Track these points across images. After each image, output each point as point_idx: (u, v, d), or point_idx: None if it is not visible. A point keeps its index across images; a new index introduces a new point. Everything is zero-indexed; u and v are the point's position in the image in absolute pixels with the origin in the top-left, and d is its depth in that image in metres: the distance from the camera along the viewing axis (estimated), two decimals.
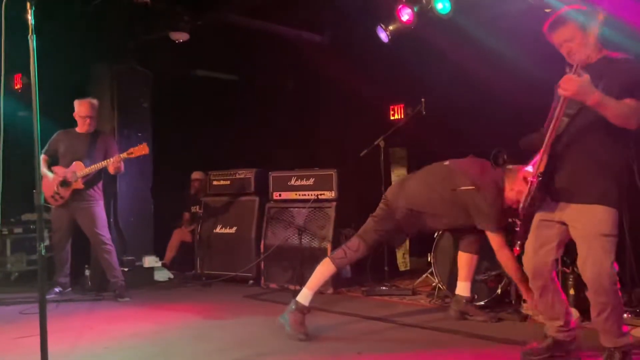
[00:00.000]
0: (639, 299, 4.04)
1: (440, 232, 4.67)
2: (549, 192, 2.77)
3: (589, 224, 2.66)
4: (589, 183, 2.68)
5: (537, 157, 2.89)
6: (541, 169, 2.71)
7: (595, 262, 2.63)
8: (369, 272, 5.49)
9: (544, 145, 2.71)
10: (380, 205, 3.98)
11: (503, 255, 3.67)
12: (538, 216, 2.88)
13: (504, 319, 4.05)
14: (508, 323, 3.96)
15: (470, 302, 4.11)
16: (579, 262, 2.77)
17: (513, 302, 4.22)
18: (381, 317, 4.27)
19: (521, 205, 2.82)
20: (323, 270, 3.84)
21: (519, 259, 4.20)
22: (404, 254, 6.49)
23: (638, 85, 2.61)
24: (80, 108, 5.30)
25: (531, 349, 2.99)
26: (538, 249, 2.86)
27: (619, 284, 2.68)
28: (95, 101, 5.39)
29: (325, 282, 5.22)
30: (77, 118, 5.32)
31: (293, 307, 3.73)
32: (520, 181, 3.39)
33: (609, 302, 2.65)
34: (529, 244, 2.92)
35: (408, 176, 4.18)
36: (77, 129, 5.36)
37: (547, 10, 4.91)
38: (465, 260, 4.12)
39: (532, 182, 2.73)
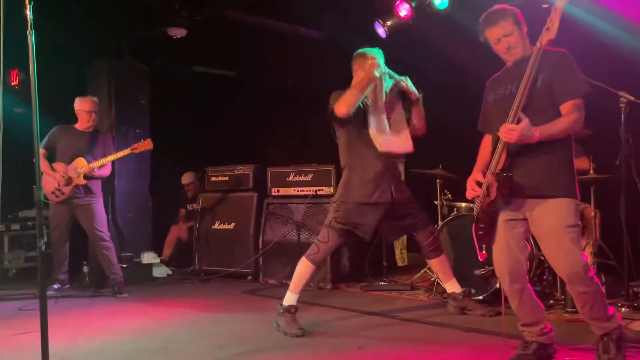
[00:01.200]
0: (636, 293, 4.07)
1: (438, 227, 4.68)
2: (510, 186, 2.73)
3: (555, 217, 2.65)
4: (552, 177, 2.68)
5: (476, 166, 2.94)
6: (500, 167, 2.70)
7: (568, 254, 2.62)
8: (367, 268, 5.51)
9: (500, 142, 2.67)
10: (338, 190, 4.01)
11: (336, 109, 3.73)
12: (503, 216, 2.81)
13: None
14: (507, 317, 3.96)
15: (468, 296, 4.13)
16: (549, 258, 2.77)
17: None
18: (380, 312, 4.29)
19: (480, 207, 2.80)
20: (302, 270, 3.83)
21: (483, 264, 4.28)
22: (401, 249, 6.51)
23: (579, 83, 2.65)
24: (84, 104, 5.31)
25: (517, 356, 2.89)
26: (511, 249, 2.79)
27: (592, 271, 2.66)
28: (95, 99, 5.41)
29: (325, 278, 5.29)
30: (80, 114, 5.32)
31: (281, 310, 3.75)
32: (362, 59, 3.88)
33: (589, 290, 2.64)
34: (500, 248, 2.83)
35: None
36: (77, 126, 5.36)
37: (544, 6, 4.92)
38: (437, 265, 4.13)
39: (503, 177, 2.68)
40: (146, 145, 5.11)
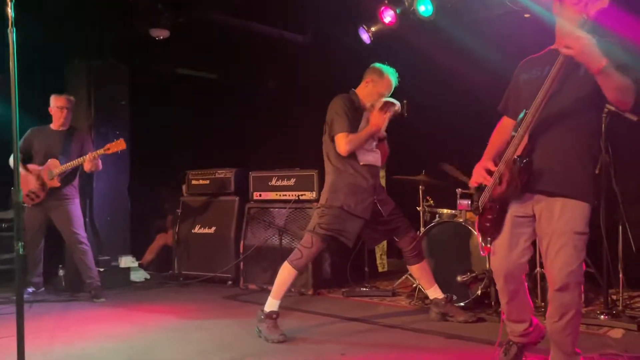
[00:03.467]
0: (615, 300, 4.12)
1: (421, 234, 4.68)
2: (528, 175, 2.52)
3: (565, 219, 2.45)
4: (570, 175, 2.48)
5: (487, 149, 2.76)
6: (519, 153, 2.49)
7: (567, 260, 2.43)
8: (349, 273, 5.50)
9: (524, 124, 2.46)
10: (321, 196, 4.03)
11: (343, 149, 3.80)
12: (512, 211, 2.62)
13: (485, 319, 4.08)
14: (488, 324, 4.00)
15: (450, 302, 4.14)
16: (545, 259, 2.56)
17: (493, 303, 4.26)
18: (362, 318, 4.27)
19: (486, 199, 2.62)
20: (284, 276, 3.80)
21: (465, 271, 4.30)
22: (381, 255, 6.52)
23: (631, 66, 2.38)
24: (57, 100, 5.22)
25: None
26: (513, 249, 2.62)
27: (582, 287, 2.52)
28: (71, 97, 5.31)
29: (306, 283, 5.27)
30: (53, 111, 5.21)
31: (262, 316, 3.72)
32: (378, 74, 3.94)
33: (573, 303, 2.47)
34: (501, 244, 2.65)
35: None
36: (52, 126, 5.25)
37: (526, 16, 4.99)
38: (418, 271, 4.13)
39: (519, 166, 2.48)
40: (119, 145, 4.99)
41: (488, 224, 2.67)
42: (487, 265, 4.25)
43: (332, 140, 3.89)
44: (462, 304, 4.32)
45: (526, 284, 2.79)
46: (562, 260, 2.45)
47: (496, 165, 2.62)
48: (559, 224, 2.47)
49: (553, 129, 2.51)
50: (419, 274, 4.15)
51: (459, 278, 4.32)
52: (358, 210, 3.84)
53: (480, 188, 2.72)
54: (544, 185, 2.51)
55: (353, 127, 3.85)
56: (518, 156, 2.51)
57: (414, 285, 4.87)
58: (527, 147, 2.51)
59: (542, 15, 4.86)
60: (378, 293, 5.19)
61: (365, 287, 5.29)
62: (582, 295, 2.55)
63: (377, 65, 4.02)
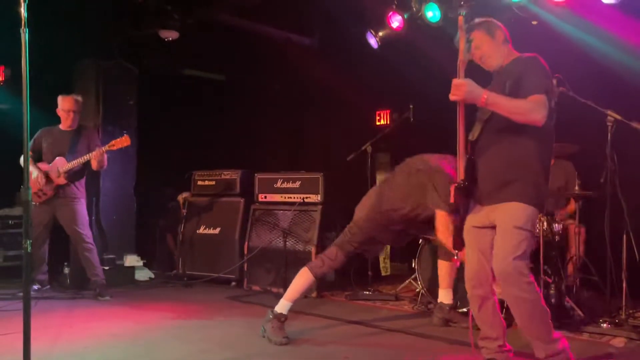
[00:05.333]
0: (618, 308, 4.12)
1: (424, 239, 4.69)
2: (473, 197, 2.81)
3: (505, 218, 2.68)
4: (506, 183, 2.70)
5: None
6: (461, 176, 2.75)
7: (505, 253, 2.63)
8: (352, 277, 5.51)
9: (457, 153, 2.76)
10: (354, 218, 4.00)
11: (441, 234, 3.72)
12: (469, 223, 2.86)
13: None
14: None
15: (454, 308, 4.14)
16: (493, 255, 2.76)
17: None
18: (365, 321, 4.28)
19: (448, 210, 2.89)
20: (302, 281, 3.83)
21: (459, 271, 4.29)
22: (384, 258, 6.52)
23: (539, 80, 2.66)
24: (64, 103, 5.24)
25: None
26: (480, 257, 2.83)
27: (531, 278, 2.64)
28: (79, 97, 5.33)
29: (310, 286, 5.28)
30: (60, 113, 5.26)
31: (270, 316, 3.73)
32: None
33: (526, 297, 2.61)
34: (468, 252, 2.88)
35: (381, 184, 4.18)
36: (60, 126, 5.30)
37: (533, 22, 5.00)
38: (445, 269, 4.15)
39: (453, 188, 2.77)
40: (123, 141, 5.01)
41: (452, 238, 2.92)
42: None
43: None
44: (464, 309, 4.32)
45: (496, 297, 2.90)
46: (500, 253, 2.65)
47: None
48: (500, 224, 2.71)
49: (491, 149, 2.77)
50: (445, 271, 4.15)
51: (460, 284, 4.32)
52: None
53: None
54: (488, 197, 2.76)
55: None
56: (460, 180, 2.76)
57: (417, 290, 4.88)
58: (465, 174, 2.75)
59: (549, 22, 4.88)
60: (381, 297, 5.20)
61: (368, 291, 5.30)
62: (534, 286, 2.65)
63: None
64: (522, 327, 2.70)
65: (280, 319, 3.71)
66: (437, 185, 3.70)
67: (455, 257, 2.90)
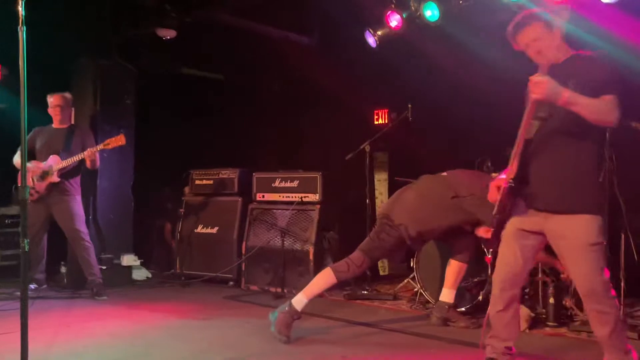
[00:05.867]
0: (625, 312, 4.11)
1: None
2: (525, 199, 2.70)
3: (577, 234, 2.58)
4: (574, 192, 2.59)
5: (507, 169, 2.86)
6: (512, 175, 2.65)
7: (591, 273, 2.57)
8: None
9: (513, 152, 2.65)
10: (383, 221, 3.95)
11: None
12: (515, 224, 2.76)
13: None
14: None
15: (452, 307, 4.14)
16: (570, 274, 2.71)
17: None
18: (364, 321, 4.28)
19: (494, 212, 2.76)
20: (324, 280, 3.81)
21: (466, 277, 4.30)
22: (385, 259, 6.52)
23: (610, 80, 2.56)
24: (52, 99, 5.24)
25: None
26: (518, 259, 2.75)
27: (613, 292, 2.63)
28: (67, 94, 5.31)
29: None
30: (50, 111, 5.26)
31: (286, 308, 3.71)
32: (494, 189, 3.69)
33: (608, 311, 2.59)
34: (506, 252, 2.79)
35: (403, 189, 4.14)
36: (53, 125, 5.28)
37: None
38: (455, 268, 4.14)
39: (503, 188, 2.67)
40: (118, 140, 5.01)
41: (489, 237, 2.84)
42: (489, 272, 4.25)
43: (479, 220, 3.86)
44: (463, 309, 4.32)
45: (521, 301, 2.89)
46: (583, 273, 2.59)
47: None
48: (572, 241, 2.59)
49: (553, 151, 2.64)
50: (453, 270, 4.13)
51: (461, 283, 4.32)
52: (417, 245, 4.08)
53: None
54: (549, 204, 2.63)
55: None
56: (510, 179, 2.65)
57: (416, 289, 4.88)
58: (517, 173, 2.65)
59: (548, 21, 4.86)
60: (379, 296, 5.19)
61: (367, 290, 5.29)
62: (615, 300, 2.64)
63: None
64: (602, 339, 2.66)
65: (294, 316, 3.69)
66: (483, 208, 3.69)
67: (489, 256, 2.89)
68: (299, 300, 3.73)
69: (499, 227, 2.78)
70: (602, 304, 2.58)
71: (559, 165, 2.62)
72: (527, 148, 2.65)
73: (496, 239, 2.81)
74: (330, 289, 5.36)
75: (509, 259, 2.77)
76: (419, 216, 3.88)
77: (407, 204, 3.95)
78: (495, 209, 2.71)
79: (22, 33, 2.48)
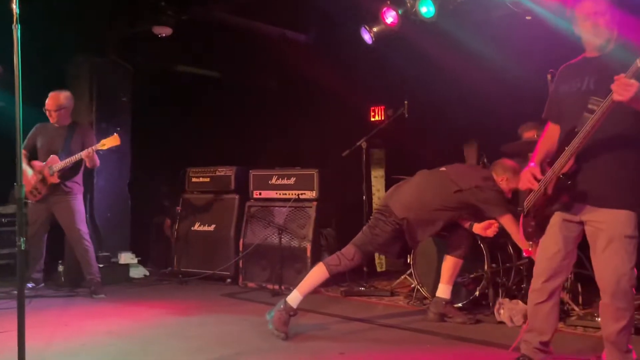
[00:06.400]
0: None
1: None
2: (572, 191, 2.65)
3: (616, 226, 2.57)
4: (619, 189, 2.59)
5: (536, 154, 2.85)
6: (565, 170, 2.59)
7: (619, 264, 2.55)
8: (347, 273, 5.50)
9: (571, 146, 2.55)
10: (377, 215, 3.98)
11: (514, 235, 3.77)
12: (559, 215, 2.73)
13: (482, 321, 4.10)
14: (486, 325, 4.02)
15: (449, 303, 4.15)
16: (597, 266, 2.66)
17: (491, 304, 4.27)
18: (361, 317, 4.29)
19: (531, 204, 2.73)
20: (317, 275, 3.82)
21: (497, 260, 4.32)
22: (379, 254, 6.53)
23: None
24: (48, 101, 5.20)
25: None
26: (560, 250, 2.73)
27: (634, 290, 2.60)
28: (62, 94, 5.24)
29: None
30: (47, 115, 5.23)
31: (281, 306, 3.72)
32: (512, 172, 3.87)
33: (628, 308, 2.58)
34: (550, 244, 2.76)
35: (400, 184, 4.17)
36: (50, 121, 5.26)
37: (527, 18, 5.01)
38: (450, 264, 4.16)
39: (555, 180, 2.61)
40: (113, 140, 5.01)
41: (530, 229, 2.82)
42: (486, 267, 4.26)
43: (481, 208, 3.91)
44: (460, 304, 4.34)
45: (560, 294, 2.86)
46: (613, 265, 2.56)
47: (543, 171, 2.73)
48: (609, 231, 2.58)
49: (599, 149, 2.59)
50: (449, 266, 4.16)
51: (457, 279, 4.34)
52: (413, 242, 4.01)
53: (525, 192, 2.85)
54: (592, 198, 2.61)
55: None
56: (563, 174, 2.61)
57: (413, 285, 4.89)
58: (572, 167, 2.61)
59: (543, 17, 4.88)
60: (376, 292, 5.20)
61: (364, 287, 5.30)
62: (633, 299, 2.63)
63: (508, 163, 4.05)
64: (609, 336, 2.64)
65: (290, 312, 3.70)
66: (488, 199, 3.84)
67: (530, 249, 2.89)
68: (294, 298, 3.74)
69: (544, 221, 2.75)
70: (624, 301, 2.56)
71: (607, 159, 2.59)
72: (572, 139, 2.57)
73: (538, 232, 2.80)
74: (327, 285, 5.43)
75: (553, 251, 2.74)
76: (418, 209, 3.91)
77: (405, 198, 3.97)
78: (550, 202, 2.67)
79: (16, 31, 2.47)
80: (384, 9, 5.44)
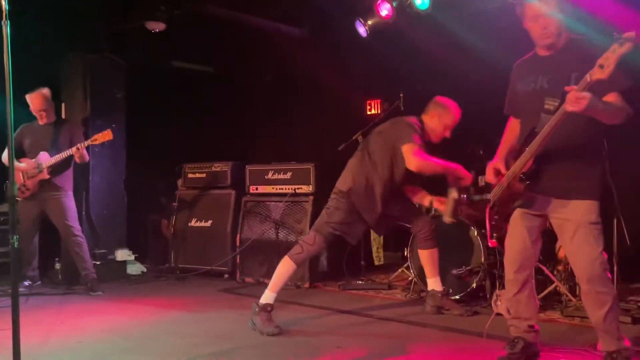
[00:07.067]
0: (621, 294, 4.13)
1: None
2: (532, 185, 2.72)
3: (578, 214, 2.66)
4: (580, 182, 2.67)
5: (500, 148, 2.94)
6: (525, 170, 2.67)
7: (592, 253, 2.63)
8: (345, 267, 5.51)
9: (530, 147, 2.63)
10: (331, 196, 4.00)
11: (414, 161, 3.76)
12: (521, 210, 2.83)
13: (479, 312, 4.10)
14: (483, 316, 4.01)
15: (446, 295, 4.15)
16: (569, 255, 2.78)
17: (488, 296, 4.28)
18: (358, 311, 4.29)
19: (497, 197, 2.79)
20: (284, 269, 3.82)
21: (493, 252, 4.31)
22: (377, 248, 6.52)
23: (619, 76, 2.52)
24: (33, 102, 5.16)
25: (507, 356, 2.90)
26: (526, 241, 2.83)
27: (609, 274, 2.68)
28: (45, 91, 5.21)
29: (303, 277, 5.28)
30: (33, 113, 5.20)
31: (256, 309, 3.73)
32: (443, 108, 3.99)
33: (608, 292, 2.64)
34: (515, 236, 2.87)
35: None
36: (39, 121, 5.24)
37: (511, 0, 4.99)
38: (427, 257, 4.16)
39: (515, 180, 2.68)
40: (106, 135, 5.01)
41: (494, 222, 2.88)
42: (482, 259, 4.26)
43: (396, 146, 3.88)
44: (457, 297, 4.34)
45: (533, 280, 2.96)
46: (584, 251, 2.66)
47: (508, 166, 2.79)
48: (574, 220, 2.67)
49: (558, 146, 2.66)
50: (426, 259, 4.16)
51: (454, 271, 4.34)
52: (370, 218, 3.90)
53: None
54: (556, 191, 2.71)
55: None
56: (523, 173, 2.68)
57: (410, 278, 4.89)
58: (531, 167, 2.67)
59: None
60: (374, 286, 5.20)
61: (361, 280, 5.30)
62: (611, 280, 2.70)
63: (441, 99, 4.07)
64: (597, 322, 2.71)
65: (267, 309, 3.71)
66: (399, 131, 3.87)
67: (493, 240, 2.97)
68: (267, 296, 3.75)
69: (506, 215, 2.84)
70: (601, 284, 2.64)
71: (566, 154, 2.67)
72: (533, 138, 2.65)
73: (501, 224, 2.88)
74: (325, 279, 5.44)
75: (518, 242, 2.86)
76: (356, 174, 3.92)
77: (345, 170, 4.02)
78: (511, 198, 2.74)
79: (5, 28, 2.45)
80: (379, 1, 5.42)
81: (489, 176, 2.87)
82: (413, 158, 3.75)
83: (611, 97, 2.57)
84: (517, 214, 2.84)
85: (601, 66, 2.33)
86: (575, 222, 2.67)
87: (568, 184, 2.69)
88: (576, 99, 2.40)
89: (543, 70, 2.74)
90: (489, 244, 2.99)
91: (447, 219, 3.46)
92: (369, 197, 3.89)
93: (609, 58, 2.31)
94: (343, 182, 3.96)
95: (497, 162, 2.85)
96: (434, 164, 3.77)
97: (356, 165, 3.99)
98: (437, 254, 4.15)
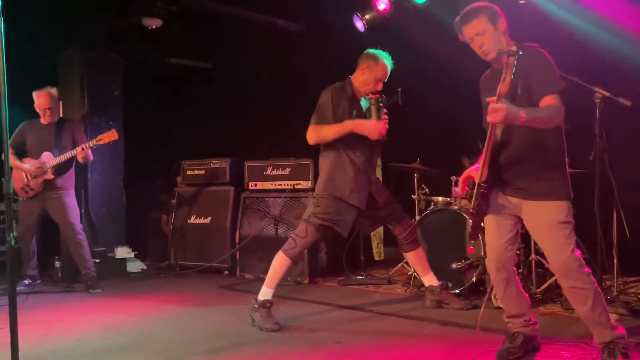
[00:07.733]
0: (609, 286, 4.14)
1: (416, 222, 4.68)
2: (499, 189, 2.81)
3: (548, 215, 2.71)
4: (545, 182, 2.72)
5: (481, 158, 2.91)
6: (483, 179, 2.72)
7: (561, 249, 2.67)
8: (344, 262, 5.51)
9: (483, 157, 2.70)
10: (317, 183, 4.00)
11: (308, 138, 3.86)
12: (494, 212, 2.88)
13: (479, 306, 4.08)
14: (485, 311, 4.00)
15: (445, 289, 4.15)
16: (547, 255, 2.81)
17: (488, 290, 4.26)
18: (358, 306, 4.28)
19: (471, 206, 2.84)
20: (278, 265, 3.80)
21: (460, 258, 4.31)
22: (378, 243, 6.52)
23: (554, 78, 2.66)
24: (39, 100, 5.14)
25: (507, 350, 2.91)
26: (501, 239, 2.87)
27: (587, 269, 2.70)
28: (53, 90, 5.21)
29: (302, 272, 5.28)
30: (37, 110, 5.18)
31: (255, 305, 3.72)
32: (373, 60, 3.90)
33: (585, 287, 2.67)
34: (491, 238, 2.92)
35: None
36: (42, 120, 5.22)
37: (521, 2, 4.97)
38: (414, 258, 4.15)
39: (477, 192, 2.75)
40: (111, 135, 5.00)
41: (470, 229, 3.02)
42: (482, 253, 4.26)
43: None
44: (457, 291, 4.33)
45: (518, 277, 3.00)
46: (556, 250, 2.70)
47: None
48: (544, 221, 2.73)
49: (515, 143, 2.74)
50: (414, 260, 4.16)
51: (454, 265, 4.33)
52: (353, 199, 3.83)
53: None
54: (523, 193, 2.77)
55: (340, 118, 3.80)
56: (483, 182, 2.74)
57: (410, 273, 4.88)
58: (489, 175, 2.72)
59: (537, 2, 4.84)
60: (374, 281, 5.20)
61: (361, 276, 5.30)
62: (590, 276, 2.71)
63: (371, 51, 3.96)
64: (583, 316, 2.73)
65: (266, 305, 3.70)
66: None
67: (471, 247, 3.20)
68: (264, 293, 3.74)
69: (478, 222, 2.91)
70: (577, 280, 2.67)
71: (526, 155, 2.73)
72: (491, 145, 2.71)
73: (476, 231, 2.99)
74: (325, 275, 5.43)
75: (494, 242, 2.91)
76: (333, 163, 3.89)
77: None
78: (472, 208, 2.80)
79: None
80: None
81: (462, 187, 2.91)
82: (307, 136, 3.77)
83: (548, 100, 2.63)
84: (491, 217, 2.88)
85: (503, 79, 2.45)
86: (545, 222, 2.72)
87: (534, 186, 2.73)
88: (493, 111, 2.49)
89: (496, 83, 2.74)
90: (468, 251, 3.01)
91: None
92: (345, 180, 3.82)
93: (505, 70, 2.45)
94: (321, 172, 3.95)
95: (473, 169, 2.88)
96: (325, 131, 3.76)
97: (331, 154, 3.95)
98: (423, 251, 4.15)
